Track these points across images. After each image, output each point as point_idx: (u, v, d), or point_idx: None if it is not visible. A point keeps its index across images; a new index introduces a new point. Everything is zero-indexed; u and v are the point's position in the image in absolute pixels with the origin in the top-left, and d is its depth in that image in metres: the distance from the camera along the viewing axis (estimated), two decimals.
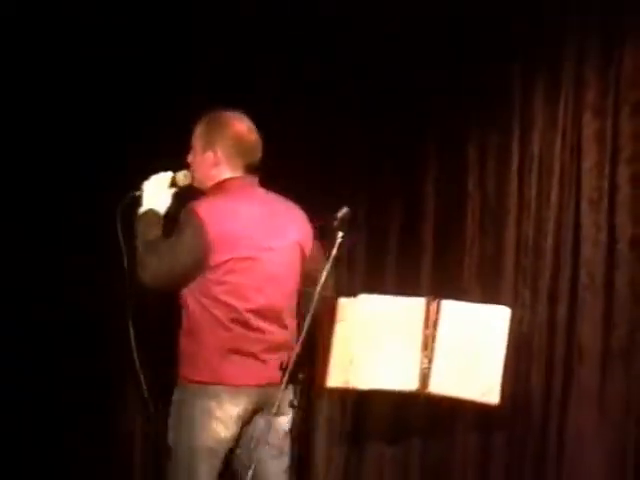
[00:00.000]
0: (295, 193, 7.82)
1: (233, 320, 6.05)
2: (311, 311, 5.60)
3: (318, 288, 5.70)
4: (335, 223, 5.87)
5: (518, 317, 6.87)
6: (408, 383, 6.65)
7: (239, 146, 6.30)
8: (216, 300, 6.11)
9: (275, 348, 6.19)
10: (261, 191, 6.44)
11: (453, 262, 7.49)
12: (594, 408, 6.85)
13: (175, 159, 6.68)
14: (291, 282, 6.34)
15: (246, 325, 6.09)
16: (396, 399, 7.18)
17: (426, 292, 7.08)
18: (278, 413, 5.91)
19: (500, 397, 6.50)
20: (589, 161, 6.93)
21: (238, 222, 6.16)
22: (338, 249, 5.75)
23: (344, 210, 5.92)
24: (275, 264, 6.26)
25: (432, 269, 7.58)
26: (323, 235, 6.42)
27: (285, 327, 6.29)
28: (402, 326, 6.69)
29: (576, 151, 6.98)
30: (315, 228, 6.62)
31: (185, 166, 6.50)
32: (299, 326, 6.21)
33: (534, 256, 7.16)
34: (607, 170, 6.86)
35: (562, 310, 6.99)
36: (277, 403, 5.77)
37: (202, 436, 6.08)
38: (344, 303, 6.65)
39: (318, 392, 7.41)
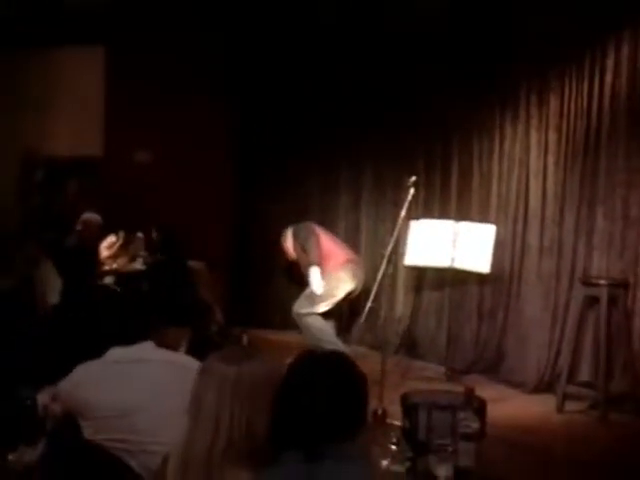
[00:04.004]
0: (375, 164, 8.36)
1: None
2: (394, 237, 6.25)
3: (398, 227, 6.43)
4: (408, 184, 6.54)
5: (498, 230, 7.04)
6: (445, 262, 7.12)
7: None
8: None
9: None
10: None
11: (467, 203, 7.61)
12: (534, 276, 6.99)
13: None
14: None
15: None
16: (438, 271, 7.46)
17: (453, 217, 7.44)
18: None
19: (490, 269, 6.97)
20: (533, 154, 7.01)
21: None
22: (411, 198, 6.43)
23: (413, 178, 6.54)
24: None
25: (456, 206, 7.68)
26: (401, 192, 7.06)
27: None
28: (442, 235, 7.13)
29: (527, 150, 7.07)
30: None
31: None
32: None
33: (506, 200, 7.27)
34: (542, 159, 6.93)
35: (519, 227, 7.13)
36: None
37: None
38: (414, 223, 7.22)
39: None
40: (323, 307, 7.45)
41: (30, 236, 6.53)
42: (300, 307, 7.48)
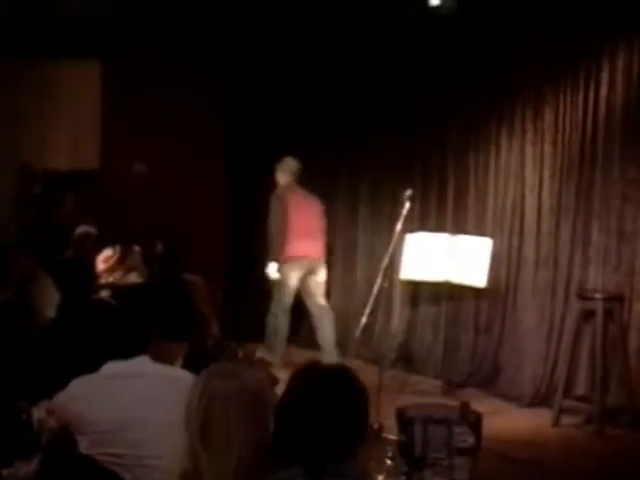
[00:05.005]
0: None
1: None
2: (390, 250, 6.24)
3: (394, 241, 6.41)
4: (404, 198, 6.53)
5: (494, 244, 7.02)
6: (440, 277, 7.09)
7: None
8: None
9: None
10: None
11: (462, 216, 7.62)
12: (530, 289, 7.00)
13: None
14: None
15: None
16: (434, 284, 7.37)
17: (449, 231, 7.44)
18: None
19: (486, 283, 6.95)
20: (529, 167, 7.03)
21: None
22: (407, 211, 6.45)
23: (409, 191, 6.53)
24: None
25: (452, 219, 7.69)
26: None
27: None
28: (438, 248, 7.11)
29: (522, 163, 7.08)
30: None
31: None
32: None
33: (502, 214, 7.27)
34: (537, 172, 6.94)
35: (515, 240, 7.13)
36: None
37: None
38: (409, 237, 7.15)
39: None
40: (287, 298, 7.76)
41: (27, 249, 6.53)
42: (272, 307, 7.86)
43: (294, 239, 7.63)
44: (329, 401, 2.28)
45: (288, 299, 7.75)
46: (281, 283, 7.71)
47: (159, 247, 7.60)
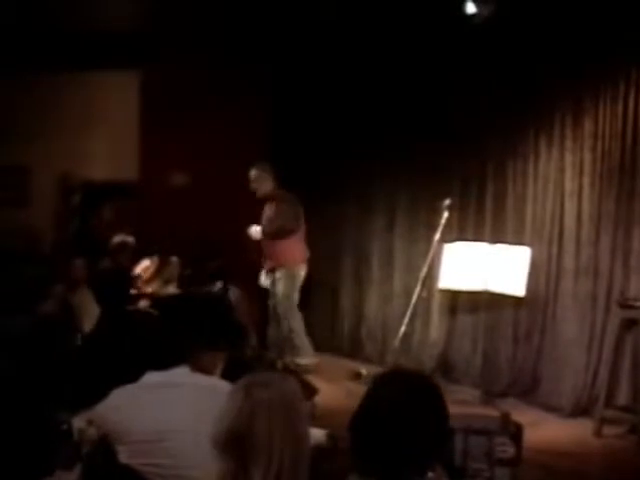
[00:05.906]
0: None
1: None
2: (428, 260, 6.21)
3: (432, 250, 6.38)
4: (442, 207, 6.51)
5: (533, 252, 7.03)
6: (479, 285, 7.07)
7: None
8: None
9: None
10: None
11: (501, 225, 7.56)
12: (570, 298, 6.94)
13: None
14: None
15: None
16: (473, 294, 7.33)
17: (488, 239, 7.39)
18: None
19: (525, 292, 6.94)
20: (568, 175, 6.98)
21: None
22: (445, 221, 6.44)
23: (447, 201, 6.54)
24: None
25: (491, 228, 7.63)
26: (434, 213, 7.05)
27: None
28: (476, 257, 7.09)
29: (562, 171, 7.05)
30: None
31: None
32: None
33: (541, 222, 7.22)
34: (577, 179, 6.91)
35: (554, 249, 7.08)
36: None
37: None
38: (448, 246, 7.16)
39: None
40: (297, 297, 8.02)
41: (73, 260, 6.61)
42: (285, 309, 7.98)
43: (302, 243, 7.96)
44: (415, 410, 2.22)
45: (297, 298, 8.02)
46: (294, 287, 7.91)
47: (213, 264, 7.70)
